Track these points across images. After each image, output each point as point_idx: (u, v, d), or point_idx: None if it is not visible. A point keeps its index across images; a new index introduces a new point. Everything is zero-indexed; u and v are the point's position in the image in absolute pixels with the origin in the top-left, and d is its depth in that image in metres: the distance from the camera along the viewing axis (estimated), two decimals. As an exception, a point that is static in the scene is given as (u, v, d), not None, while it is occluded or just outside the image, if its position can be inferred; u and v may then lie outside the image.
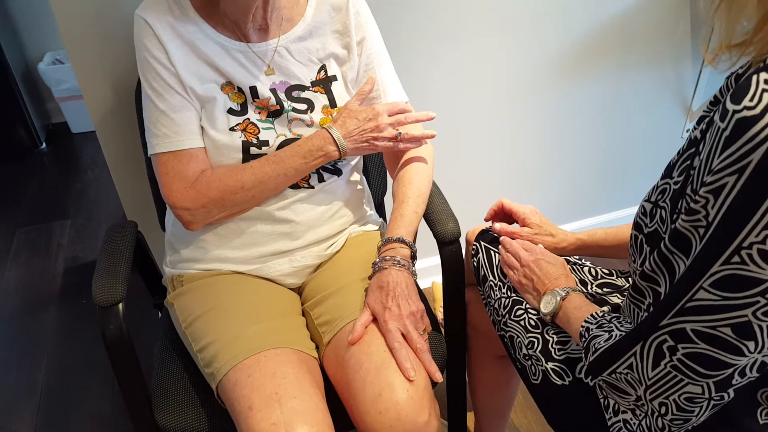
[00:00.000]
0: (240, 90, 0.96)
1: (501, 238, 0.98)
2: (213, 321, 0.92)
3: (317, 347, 0.95)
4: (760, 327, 0.48)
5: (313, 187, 1.02)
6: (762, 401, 0.60)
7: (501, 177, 1.71)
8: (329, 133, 0.97)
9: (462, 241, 1.05)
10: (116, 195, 1.34)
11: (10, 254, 2.14)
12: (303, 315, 1.02)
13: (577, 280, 0.95)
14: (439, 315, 1.34)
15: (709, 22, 0.53)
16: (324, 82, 1.00)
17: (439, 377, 0.88)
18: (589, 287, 0.95)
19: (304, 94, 0.99)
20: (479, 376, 1.16)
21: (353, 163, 1.09)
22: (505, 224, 1.02)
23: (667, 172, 0.60)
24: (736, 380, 0.53)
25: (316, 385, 0.85)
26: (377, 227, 1.15)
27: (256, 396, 0.80)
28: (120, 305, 0.91)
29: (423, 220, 1.06)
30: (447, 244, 1.03)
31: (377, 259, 0.96)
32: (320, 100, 1.00)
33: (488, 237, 1.03)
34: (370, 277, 0.97)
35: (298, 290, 1.07)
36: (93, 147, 2.83)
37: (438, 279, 1.67)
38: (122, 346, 0.90)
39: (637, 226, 0.64)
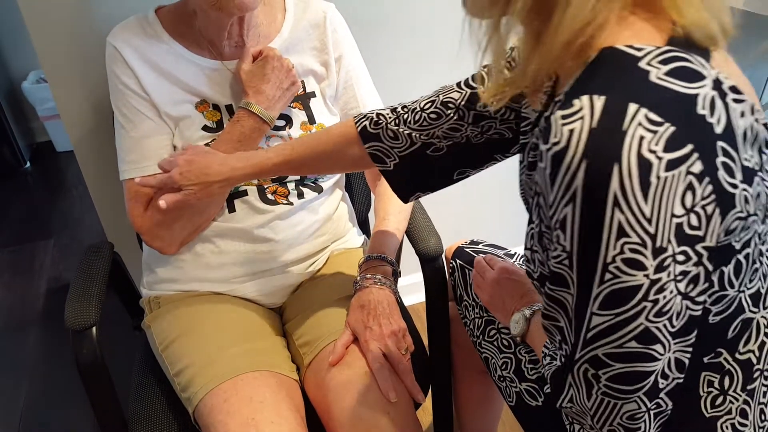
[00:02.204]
0: (215, 107, 0.95)
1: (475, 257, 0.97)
2: (190, 344, 0.90)
3: (298, 369, 0.94)
4: (658, 328, 0.50)
5: (292, 204, 1.00)
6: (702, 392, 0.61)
7: (481, 191, 1.70)
8: (249, 110, 0.93)
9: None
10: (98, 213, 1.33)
11: (-9, 275, 2.11)
12: (284, 336, 1.00)
13: None
14: None
15: (478, 64, 0.58)
16: (302, 99, 1.00)
17: (421, 398, 0.86)
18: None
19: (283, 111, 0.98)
20: (464, 393, 1.15)
21: (335, 179, 1.08)
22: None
23: (530, 218, 0.63)
24: (663, 384, 0.54)
25: (294, 409, 0.83)
26: (360, 245, 1.14)
27: (232, 421, 0.78)
28: (93, 329, 0.89)
29: (405, 236, 1.04)
30: (429, 261, 1.01)
31: (358, 278, 0.94)
32: (299, 116, 0.99)
33: (465, 255, 1.02)
34: (351, 296, 0.95)
35: (278, 310, 1.05)
36: (78, 166, 2.80)
37: (422, 296, 1.66)
38: (96, 370, 0.88)
39: (528, 274, 0.67)
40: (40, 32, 1.09)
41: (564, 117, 0.47)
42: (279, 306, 1.05)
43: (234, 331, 0.93)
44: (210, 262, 0.99)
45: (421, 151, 0.83)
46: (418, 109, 0.83)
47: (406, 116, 0.83)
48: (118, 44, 0.92)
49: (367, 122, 0.85)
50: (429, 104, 0.82)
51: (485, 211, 1.70)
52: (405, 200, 0.89)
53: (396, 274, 0.96)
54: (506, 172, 1.69)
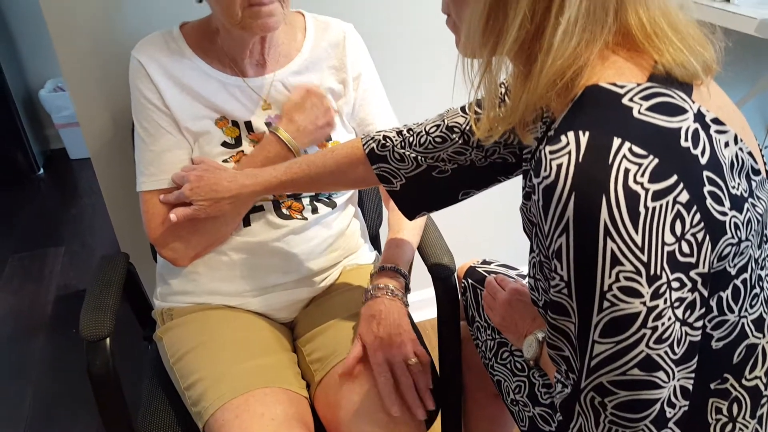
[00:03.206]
0: (234, 124, 0.96)
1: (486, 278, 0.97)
2: (201, 357, 0.90)
3: (308, 385, 0.93)
4: (659, 356, 0.51)
5: (306, 219, 1.01)
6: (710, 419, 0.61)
7: (496, 209, 1.70)
8: (277, 136, 0.96)
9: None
10: (111, 222, 1.33)
11: (1, 280, 2.12)
12: (294, 351, 1.00)
13: None
14: None
15: (474, 102, 0.61)
16: (320, 117, 1.01)
17: (421, 414, 0.86)
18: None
19: (301, 128, 0.99)
20: (475, 415, 1.14)
21: (348, 195, 1.08)
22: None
23: (530, 247, 0.65)
24: (670, 413, 0.54)
25: (305, 427, 0.83)
26: (372, 260, 1.14)
27: (243, 437, 0.78)
28: (107, 340, 0.89)
29: (417, 253, 1.04)
30: (442, 280, 1.01)
31: (369, 287, 0.95)
32: (316, 134, 1.00)
33: (476, 275, 1.02)
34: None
35: (290, 325, 1.05)
36: (91, 173, 2.81)
37: (430, 312, 1.66)
38: (108, 381, 0.88)
39: (533, 301, 0.68)
40: (64, 42, 1.11)
41: (552, 152, 0.50)
42: (290, 321, 1.05)
43: (246, 346, 0.93)
44: (224, 275, 1.00)
45: (427, 173, 0.85)
46: (424, 132, 0.85)
47: (411, 139, 0.85)
48: (143, 59, 0.93)
49: (374, 144, 0.87)
50: (434, 128, 0.84)
51: (497, 228, 1.70)
52: (410, 218, 0.91)
53: (407, 288, 0.96)
54: (518, 190, 1.69)
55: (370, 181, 0.89)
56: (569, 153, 0.49)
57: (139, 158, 0.96)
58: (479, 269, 1.02)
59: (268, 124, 0.97)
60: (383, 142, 0.86)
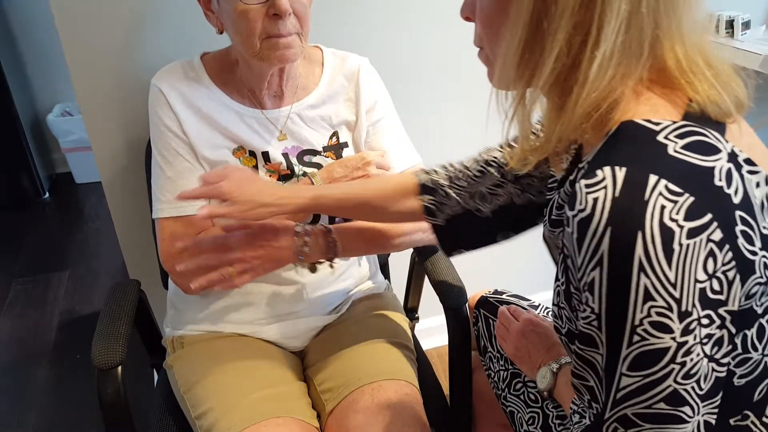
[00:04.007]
0: (252, 154, 0.98)
1: (499, 308, 0.97)
2: (213, 387, 0.90)
3: (318, 414, 0.93)
4: (686, 391, 0.51)
5: (332, 266, 1.01)
6: None
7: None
8: (312, 181, 0.97)
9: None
10: (116, 247, 1.33)
11: (4, 305, 2.11)
12: (304, 380, 0.99)
13: None
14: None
15: (505, 133, 0.62)
16: (335, 148, 1.02)
17: None
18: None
19: (316, 159, 1.00)
20: (484, 446, 1.12)
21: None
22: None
23: (556, 275, 0.65)
24: None
25: (317, 458, 0.82)
26: (383, 289, 1.14)
27: (255, 469, 0.77)
28: (119, 368, 0.89)
29: (429, 283, 1.04)
30: (453, 310, 1.01)
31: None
32: (330, 165, 1.01)
33: (488, 305, 1.02)
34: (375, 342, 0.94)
35: (300, 354, 1.05)
36: (96, 198, 2.84)
37: (440, 339, 1.65)
38: (119, 410, 0.88)
39: (555, 329, 0.68)
40: (80, 68, 1.13)
41: (588, 186, 0.50)
42: (301, 350, 1.05)
43: (258, 375, 0.92)
44: (235, 303, 1.00)
45: (469, 213, 0.86)
46: (465, 168, 0.86)
47: (454, 176, 0.87)
48: (164, 87, 0.95)
49: (426, 177, 0.88)
50: (474, 163, 0.86)
51: (508, 259, 1.70)
52: (448, 254, 0.91)
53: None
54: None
55: (415, 216, 0.89)
56: (605, 188, 0.49)
57: (156, 185, 0.97)
58: (491, 299, 1.02)
59: (284, 155, 0.99)
60: (433, 177, 0.88)
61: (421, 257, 1.13)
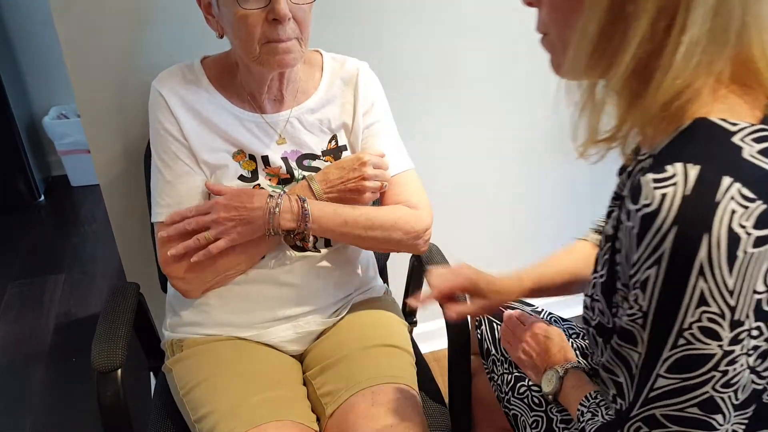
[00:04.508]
0: (251, 158, 0.98)
1: (504, 313, 0.98)
2: (212, 390, 0.90)
3: (318, 418, 0.93)
4: (722, 399, 0.51)
5: (319, 251, 1.01)
6: None
7: (505, 242, 1.72)
8: (309, 185, 0.97)
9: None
10: (112, 250, 1.33)
11: (0, 308, 2.10)
12: (304, 383, 0.99)
13: (578, 348, 0.94)
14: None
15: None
16: (334, 152, 1.02)
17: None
18: (590, 357, 0.94)
19: (315, 163, 1.01)
20: (483, 450, 1.13)
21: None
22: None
23: (594, 267, 0.65)
24: None
25: (317, 461, 0.82)
26: (382, 293, 1.14)
27: (255, 472, 0.77)
28: (118, 371, 0.89)
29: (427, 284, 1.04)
30: (452, 314, 1.02)
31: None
32: (329, 169, 1.01)
33: None
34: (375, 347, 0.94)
35: (300, 357, 1.05)
36: (92, 201, 2.83)
37: (440, 343, 1.65)
38: (118, 413, 0.88)
39: (584, 320, 0.68)
40: (79, 71, 1.12)
41: (656, 180, 0.49)
42: (300, 353, 1.05)
43: (257, 378, 0.92)
44: (235, 306, 1.00)
45: None
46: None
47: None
48: (164, 91, 0.95)
49: (596, 237, 0.90)
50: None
51: (508, 261, 1.71)
52: None
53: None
54: (530, 224, 1.71)
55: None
56: (676, 184, 0.48)
57: (155, 189, 0.97)
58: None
59: (284, 159, 0.99)
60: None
61: (420, 261, 1.13)
